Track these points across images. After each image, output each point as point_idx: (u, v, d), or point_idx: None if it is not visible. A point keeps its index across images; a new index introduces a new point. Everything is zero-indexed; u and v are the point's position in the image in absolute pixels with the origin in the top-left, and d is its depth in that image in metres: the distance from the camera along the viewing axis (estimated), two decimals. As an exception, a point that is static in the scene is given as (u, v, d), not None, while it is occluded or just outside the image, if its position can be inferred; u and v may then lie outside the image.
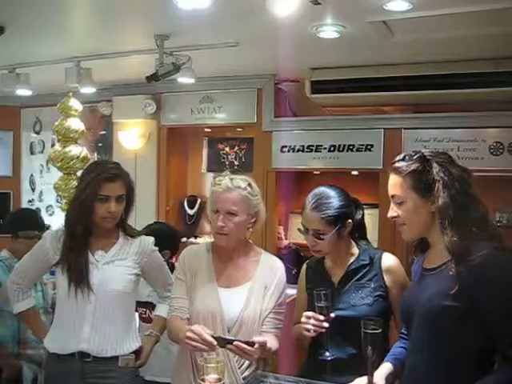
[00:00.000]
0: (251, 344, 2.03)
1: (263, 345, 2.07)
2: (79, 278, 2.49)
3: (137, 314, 3.39)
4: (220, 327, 2.28)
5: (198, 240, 5.52)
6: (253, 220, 2.39)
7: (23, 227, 3.50)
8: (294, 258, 5.28)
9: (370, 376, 1.95)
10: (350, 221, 2.35)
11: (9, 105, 6.40)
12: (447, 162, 1.94)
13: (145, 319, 3.33)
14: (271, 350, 2.23)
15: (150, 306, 3.28)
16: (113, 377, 2.53)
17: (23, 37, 3.91)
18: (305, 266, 2.58)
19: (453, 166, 1.93)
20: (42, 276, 3.04)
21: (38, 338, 2.88)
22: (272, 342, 2.24)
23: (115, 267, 2.58)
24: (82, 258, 2.51)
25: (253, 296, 2.34)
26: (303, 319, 2.21)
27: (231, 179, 2.34)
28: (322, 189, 2.37)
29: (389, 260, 2.37)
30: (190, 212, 5.81)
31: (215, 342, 2.03)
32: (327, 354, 2.22)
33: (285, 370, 2.83)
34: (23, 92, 4.98)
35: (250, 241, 2.51)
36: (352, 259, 2.39)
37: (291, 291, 4.27)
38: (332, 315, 2.18)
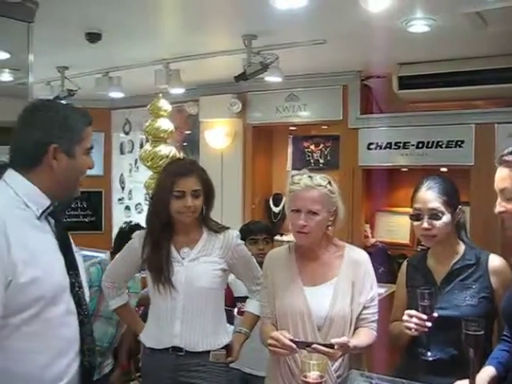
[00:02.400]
0: (331, 346, 2.03)
1: (344, 345, 2.06)
2: (159, 275, 2.55)
3: (235, 310, 3.47)
4: (309, 326, 2.27)
5: (284, 238, 5.54)
6: (332, 218, 2.36)
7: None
8: (380, 257, 5.20)
9: (472, 379, 1.90)
10: (460, 207, 2.31)
11: (100, 107, 6.65)
12: None
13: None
14: (359, 347, 2.21)
15: None
16: (205, 371, 2.57)
17: (117, 42, 4.08)
18: (405, 263, 2.53)
19: None
20: (133, 275, 3.07)
21: (134, 332, 2.96)
22: (360, 339, 2.24)
23: (200, 264, 2.60)
24: (161, 256, 2.56)
25: (340, 292, 2.31)
26: (405, 317, 2.17)
27: (310, 177, 2.33)
28: (433, 175, 2.37)
29: (496, 261, 2.29)
30: (276, 210, 5.84)
31: (294, 346, 2.07)
32: (429, 354, 2.18)
33: (376, 368, 2.80)
34: (115, 94, 5.19)
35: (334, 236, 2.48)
36: (457, 258, 2.33)
37: (380, 290, 4.24)
38: (435, 315, 2.14)
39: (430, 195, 2.28)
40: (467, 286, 2.26)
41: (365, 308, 2.33)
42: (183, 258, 2.58)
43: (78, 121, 1.88)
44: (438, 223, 2.26)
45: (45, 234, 1.85)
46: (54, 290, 1.77)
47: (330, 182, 2.36)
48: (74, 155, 1.86)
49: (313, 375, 1.77)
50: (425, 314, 2.12)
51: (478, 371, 1.93)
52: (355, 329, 2.31)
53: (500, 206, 1.94)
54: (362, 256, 2.42)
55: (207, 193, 2.63)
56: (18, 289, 1.67)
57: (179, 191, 2.52)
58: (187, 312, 2.56)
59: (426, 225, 2.28)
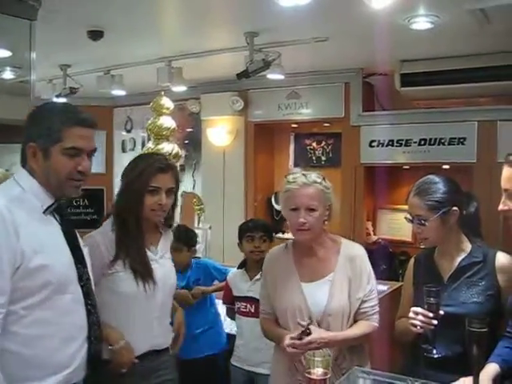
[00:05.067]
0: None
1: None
2: (145, 272, 2.39)
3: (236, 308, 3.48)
4: (308, 318, 2.31)
5: (286, 235, 5.54)
6: (327, 213, 2.41)
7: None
8: (382, 254, 5.22)
9: (476, 376, 1.90)
10: (455, 208, 2.28)
11: (102, 105, 6.67)
12: None
13: (245, 313, 3.36)
14: (356, 338, 2.32)
15: (251, 300, 3.33)
16: (167, 367, 2.54)
17: (119, 40, 4.07)
18: (413, 259, 2.55)
19: None
20: None
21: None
22: (347, 332, 2.33)
23: (167, 260, 2.57)
24: (143, 251, 2.42)
25: (337, 287, 2.35)
26: (411, 314, 2.18)
27: (305, 175, 2.37)
28: (428, 176, 2.36)
29: (503, 259, 2.28)
30: (278, 207, 5.83)
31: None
32: (434, 351, 2.18)
33: (380, 365, 2.81)
34: (117, 92, 5.19)
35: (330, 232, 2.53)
36: (463, 255, 2.32)
37: (382, 287, 4.25)
38: (441, 313, 2.14)
39: (415, 201, 2.30)
40: (474, 283, 2.26)
41: (363, 302, 2.38)
42: (155, 255, 2.50)
43: (56, 120, 1.88)
44: (424, 228, 2.29)
45: (52, 228, 1.92)
46: (62, 279, 1.85)
47: (324, 179, 2.41)
48: (49, 155, 1.88)
49: (317, 372, 1.78)
50: (431, 311, 2.13)
51: (481, 368, 1.93)
52: (355, 322, 2.37)
53: (504, 205, 1.95)
54: (358, 251, 2.47)
55: (176, 192, 2.55)
56: (27, 274, 1.76)
57: (155, 186, 2.39)
58: (162, 310, 2.51)
59: (415, 229, 2.34)
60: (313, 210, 2.33)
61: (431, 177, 2.34)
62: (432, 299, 2.13)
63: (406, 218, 2.39)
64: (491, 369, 1.97)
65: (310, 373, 1.80)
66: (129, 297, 2.37)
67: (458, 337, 2.11)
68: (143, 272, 2.38)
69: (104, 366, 2.25)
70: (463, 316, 2.00)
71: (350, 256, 2.42)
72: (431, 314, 2.12)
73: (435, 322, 2.12)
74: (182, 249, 3.56)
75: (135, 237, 2.41)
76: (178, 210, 5.64)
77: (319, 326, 2.30)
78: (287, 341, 2.22)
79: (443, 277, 2.34)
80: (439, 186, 2.29)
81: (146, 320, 2.42)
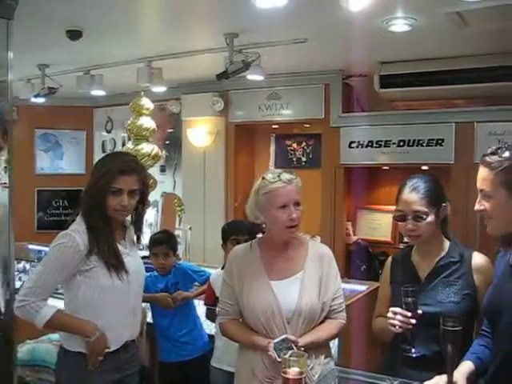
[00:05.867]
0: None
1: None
2: (118, 264, 2.42)
3: (217, 309, 3.47)
4: (279, 319, 2.30)
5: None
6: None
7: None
8: (362, 254, 5.25)
9: (450, 375, 1.92)
10: (445, 204, 2.31)
11: (82, 105, 6.64)
12: None
13: None
14: (316, 342, 2.30)
15: None
16: (134, 360, 2.56)
17: (98, 40, 4.06)
18: (390, 259, 2.55)
19: None
20: None
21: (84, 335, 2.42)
22: (316, 335, 2.33)
23: (136, 253, 2.62)
24: (114, 245, 2.45)
25: (307, 285, 2.36)
26: (390, 314, 2.18)
27: (285, 173, 2.39)
28: (417, 175, 2.36)
29: (480, 259, 2.29)
30: (258, 208, 5.84)
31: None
32: (413, 350, 2.19)
33: (357, 364, 2.83)
34: (97, 93, 5.16)
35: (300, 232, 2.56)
36: (442, 254, 2.33)
37: (361, 287, 4.29)
38: (419, 312, 2.16)
39: (413, 197, 2.28)
40: (451, 282, 2.27)
41: (332, 299, 2.40)
42: (125, 249, 2.53)
43: None
44: (421, 224, 2.27)
45: None
46: None
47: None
48: None
49: (292, 371, 1.79)
50: (409, 311, 2.14)
51: (456, 366, 1.96)
52: (324, 319, 2.39)
53: (479, 205, 1.95)
54: (326, 251, 2.49)
55: (143, 192, 2.57)
56: None
57: (117, 188, 2.42)
58: (136, 301, 2.54)
59: (410, 226, 2.29)
60: (299, 204, 2.36)
61: (421, 175, 2.35)
62: (409, 299, 2.14)
63: (395, 217, 2.36)
64: (465, 366, 1.99)
65: (285, 372, 1.80)
66: (107, 289, 2.40)
67: (436, 336, 2.12)
68: (116, 264, 2.42)
69: (80, 360, 2.32)
70: (440, 315, 2.02)
71: (319, 255, 2.44)
72: (409, 314, 2.14)
73: (413, 321, 2.13)
74: (169, 253, 3.62)
75: (105, 232, 2.44)
76: (159, 211, 5.67)
77: (288, 324, 2.30)
78: (271, 349, 2.20)
79: (420, 276, 2.35)
80: (431, 184, 2.30)
81: (125, 311, 2.46)
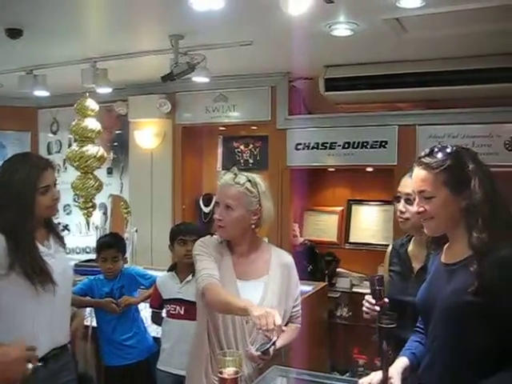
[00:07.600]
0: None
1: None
2: (44, 276, 2.32)
3: (164, 312, 3.46)
4: (238, 317, 2.35)
5: (214, 238, 5.56)
6: (255, 217, 2.44)
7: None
8: (309, 255, 5.32)
9: (385, 371, 1.97)
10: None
11: (26, 106, 6.49)
12: (478, 158, 1.94)
13: (174, 315, 3.36)
14: (287, 342, 2.40)
15: (180, 302, 3.32)
16: (70, 367, 2.52)
17: (40, 39, 3.96)
18: (390, 247, 2.64)
19: (483, 163, 1.94)
20: None
21: None
22: (288, 338, 2.42)
23: (61, 253, 2.56)
24: (37, 257, 2.34)
25: (269, 289, 2.42)
26: (363, 302, 2.28)
27: (235, 175, 2.45)
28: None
29: None
30: (206, 210, 5.84)
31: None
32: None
33: (301, 364, 2.88)
34: (40, 93, 5.05)
35: (262, 237, 2.60)
36: None
37: (307, 288, 4.34)
38: (386, 300, 2.21)
39: (408, 181, 2.35)
40: None
41: (292, 307, 2.50)
42: (49, 250, 2.46)
43: None
44: (411, 208, 2.35)
45: None
46: None
47: (251, 182, 2.45)
48: None
49: (228, 371, 1.80)
50: (374, 298, 2.20)
51: (391, 362, 2.01)
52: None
53: (419, 207, 1.97)
54: (288, 259, 2.57)
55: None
56: None
57: (46, 185, 2.38)
58: (62, 303, 2.47)
59: (401, 207, 2.42)
60: (230, 208, 2.39)
61: None
62: (376, 287, 2.21)
63: (394, 198, 2.51)
64: (400, 362, 2.05)
65: (221, 372, 1.82)
66: (28, 298, 2.30)
67: None
68: (42, 279, 2.31)
69: None
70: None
71: (282, 263, 2.51)
72: (373, 301, 2.20)
73: (377, 308, 2.19)
74: (118, 256, 3.60)
75: (29, 246, 2.33)
76: (107, 214, 5.56)
77: (247, 323, 2.33)
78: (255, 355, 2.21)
79: (414, 267, 2.43)
80: None
81: (48, 316, 2.36)
